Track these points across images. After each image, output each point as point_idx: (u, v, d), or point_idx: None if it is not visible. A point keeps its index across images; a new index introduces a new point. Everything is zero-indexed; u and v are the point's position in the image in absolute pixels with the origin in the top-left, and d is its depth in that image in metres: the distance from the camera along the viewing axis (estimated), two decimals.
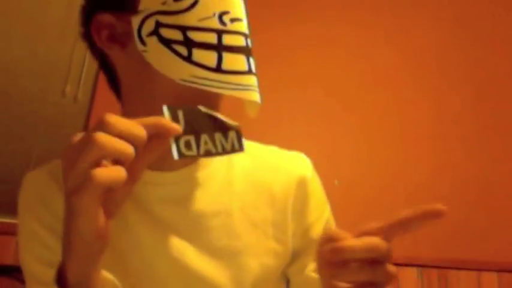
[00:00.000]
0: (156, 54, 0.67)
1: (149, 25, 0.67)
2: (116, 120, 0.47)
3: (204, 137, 0.53)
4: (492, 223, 2.07)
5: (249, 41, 0.69)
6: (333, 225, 0.87)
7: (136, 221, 0.75)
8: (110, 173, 0.46)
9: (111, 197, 0.49)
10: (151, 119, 0.49)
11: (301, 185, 0.84)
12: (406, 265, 1.94)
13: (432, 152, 2.17)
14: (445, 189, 2.11)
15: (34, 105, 2.09)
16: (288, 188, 0.83)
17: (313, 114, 2.16)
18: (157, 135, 0.49)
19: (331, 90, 2.21)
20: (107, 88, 2.16)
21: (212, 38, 0.66)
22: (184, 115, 0.52)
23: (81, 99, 2.13)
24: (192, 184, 0.77)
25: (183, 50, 0.65)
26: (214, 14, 0.67)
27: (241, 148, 0.56)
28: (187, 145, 0.52)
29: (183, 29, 0.66)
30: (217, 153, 0.54)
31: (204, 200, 0.77)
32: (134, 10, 0.68)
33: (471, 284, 1.96)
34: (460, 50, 2.33)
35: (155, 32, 0.66)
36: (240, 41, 0.68)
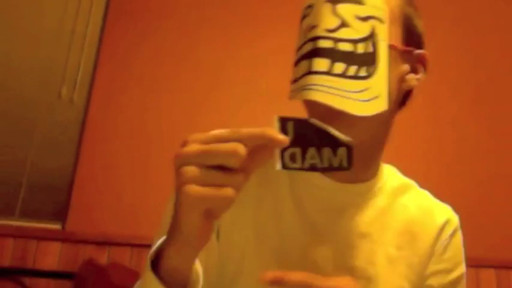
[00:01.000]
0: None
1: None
2: (200, 145, 0.48)
3: (312, 151, 0.52)
4: (490, 220, 2.08)
5: (323, 41, 0.67)
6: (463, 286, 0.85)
7: (291, 220, 0.77)
8: (213, 194, 0.46)
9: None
10: (258, 130, 0.48)
11: (446, 229, 0.84)
12: None
13: (429, 151, 2.17)
14: (442, 187, 2.11)
15: (30, 107, 2.09)
16: (431, 228, 0.83)
17: None
18: (263, 146, 0.49)
19: None
20: (102, 90, 2.17)
21: (297, 54, 0.70)
22: (294, 127, 0.51)
23: (77, 101, 2.13)
24: (349, 201, 0.79)
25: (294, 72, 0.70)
26: (303, 32, 0.71)
27: (349, 165, 0.53)
28: (292, 157, 0.51)
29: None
30: (323, 168, 0.53)
31: (359, 219, 0.78)
32: None
33: (469, 280, 1.96)
34: (457, 53, 2.34)
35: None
36: (308, 47, 0.67)
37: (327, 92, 0.64)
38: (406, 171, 2.16)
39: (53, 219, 1.95)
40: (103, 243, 1.84)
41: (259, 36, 2.27)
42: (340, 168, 0.53)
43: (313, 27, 0.68)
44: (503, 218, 2.09)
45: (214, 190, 0.46)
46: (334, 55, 0.66)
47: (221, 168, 0.47)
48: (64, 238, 1.84)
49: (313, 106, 0.70)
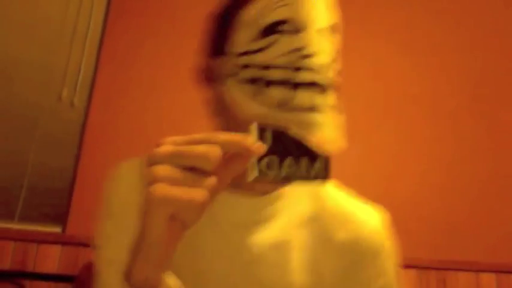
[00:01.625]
0: (231, 95, 0.70)
1: (233, 65, 0.70)
2: (174, 146, 0.46)
3: (289, 160, 0.51)
4: (490, 225, 2.08)
5: (321, 77, 0.67)
6: None
7: (205, 236, 0.74)
8: (181, 195, 0.45)
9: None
10: (235, 137, 0.47)
11: (372, 238, 0.79)
12: (405, 267, 1.94)
13: (429, 153, 2.17)
14: (442, 191, 2.11)
15: (30, 110, 2.09)
16: (349, 238, 0.78)
17: None
18: (240, 154, 0.48)
19: None
20: (103, 93, 2.17)
21: (280, 76, 0.66)
22: (273, 136, 0.51)
23: (78, 104, 2.12)
24: (260, 214, 0.76)
25: (252, 89, 0.67)
26: (286, 52, 0.67)
27: (326, 177, 0.53)
28: (269, 165, 0.50)
29: (256, 67, 0.68)
30: (301, 178, 0.52)
31: (272, 230, 0.75)
32: (222, 53, 0.73)
33: (470, 285, 1.96)
34: (456, 51, 2.34)
35: (237, 73, 0.69)
36: (307, 77, 0.66)
37: (329, 131, 0.66)
38: (404, 171, 2.17)
39: (53, 222, 1.95)
40: None
41: None
42: (317, 177, 0.53)
43: (310, 55, 0.67)
44: (504, 221, 2.09)
45: (183, 191, 0.45)
46: (330, 91, 0.68)
47: (194, 170, 0.45)
48: (64, 241, 1.84)
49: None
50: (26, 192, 1.98)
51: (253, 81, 0.67)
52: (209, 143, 0.46)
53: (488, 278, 1.99)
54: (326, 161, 0.53)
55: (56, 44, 2.19)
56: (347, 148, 2.14)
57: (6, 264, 1.77)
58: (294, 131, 0.63)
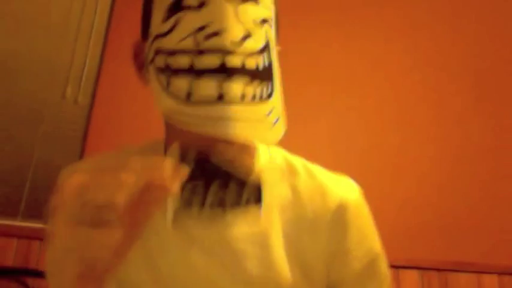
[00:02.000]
0: (152, 84, 0.63)
1: (151, 51, 0.62)
2: (71, 202, 0.39)
3: (216, 185, 0.45)
4: (492, 225, 2.07)
5: (234, 57, 0.55)
6: (382, 267, 0.74)
7: (169, 235, 0.65)
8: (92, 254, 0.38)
9: None
10: (152, 166, 0.41)
11: (341, 210, 0.72)
12: (407, 268, 1.94)
13: (432, 153, 2.17)
14: (445, 191, 2.11)
15: (35, 107, 2.09)
16: (324, 212, 0.71)
17: (314, 114, 2.16)
18: (155, 185, 0.41)
19: (330, 89, 2.21)
20: (107, 90, 2.17)
21: (184, 63, 0.57)
22: (196, 156, 0.44)
23: (82, 101, 2.13)
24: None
25: (163, 79, 0.59)
26: (190, 33, 0.57)
27: (258, 200, 0.47)
28: (194, 191, 0.44)
29: (165, 54, 0.59)
30: (230, 204, 0.46)
31: (245, 223, 0.64)
32: (147, 36, 0.65)
33: (472, 286, 1.96)
34: (461, 51, 2.33)
35: (152, 59, 0.62)
36: (213, 61, 0.55)
37: (246, 127, 0.55)
38: (406, 171, 2.16)
39: None
40: None
41: None
42: (248, 203, 0.46)
43: (214, 33, 0.55)
44: (506, 222, 2.09)
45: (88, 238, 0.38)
46: (244, 76, 0.56)
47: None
48: None
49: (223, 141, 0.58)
50: (30, 189, 1.99)
51: (163, 69, 0.59)
52: (118, 181, 0.39)
53: (490, 280, 1.98)
54: (257, 184, 0.47)
55: (60, 41, 2.19)
56: (349, 149, 2.13)
57: (10, 261, 1.78)
58: (199, 128, 0.55)
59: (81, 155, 2.03)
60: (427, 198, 2.09)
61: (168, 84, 0.58)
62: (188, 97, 0.56)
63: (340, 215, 0.72)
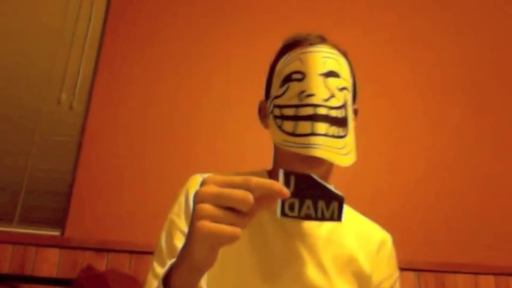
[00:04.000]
0: (270, 126, 0.97)
1: (271, 105, 0.97)
2: (217, 187, 0.56)
3: (308, 202, 0.59)
4: (489, 227, 2.08)
5: (321, 109, 0.90)
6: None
7: (277, 242, 0.95)
8: (222, 232, 0.54)
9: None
10: (267, 182, 0.55)
11: (382, 247, 1.04)
12: (403, 269, 1.94)
13: (430, 157, 2.17)
14: (442, 194, 2.12)
15: (30, 113, 2.09)
16: (373, 237, 1.04)
17: None
18: (268, 194, 0.56)
19: None
20: (102, 96, 2.18)
21: (292, 112, 0.91)
22: (296, 180, 0.58)
23: (77, 107, 2.13)
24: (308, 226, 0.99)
25: (278, 122, 0.94)
26: (296, 94, 0.92)
27: (339, 218, 0.60)
28: (291, 207, 0.58)
29: (279, 107, 0.94)
30: (316, 219, 0.60)
31: (322, 230, 0.99)
32: (268, 96, 1.03)
33: (468, 287, 1.96)
34: (460, 61, 2.35)
35: (272, 111, 0.96)
36: (308, 111, 0.90)
37: (326, 150, 0.88)
38: (406, 174, 2.17)
39: (51, 225, 1.95)
40: (102, 250, 1.84)
41: (260, 40, 2.28)
42: (332, 219, 0.61)
43: (310, 95, 0.90)
44: (503, 223, 2.09)
45: (224, 228, 0.54)
46: (328, 120, 0.89)
47: (232, 209, 0.55)
48: (63, 245, 1.84)
49: (313, 159, 0.91)
50: (25, 196, 1.98)
51: (278, 117, 0.94)
52: (245, 187, 0.55)
53: (486, 281, 1.99)
54: (340, 203, 0.61)
55: (55, 48, 2.20)
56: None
57: (5, 268, 1.77)
58: (299, 150, 0.88)
59: (77, 161, 2.03)
60: (423, 201, 2.09)
61: (281, 125, 0.92)
62: (293, 133, 0.90)
63: (382, 246, 1.05)
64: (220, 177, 0.57)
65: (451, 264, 1.98)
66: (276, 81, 0.98)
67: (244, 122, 2.12)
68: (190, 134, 2.09)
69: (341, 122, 0.92)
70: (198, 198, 0.56)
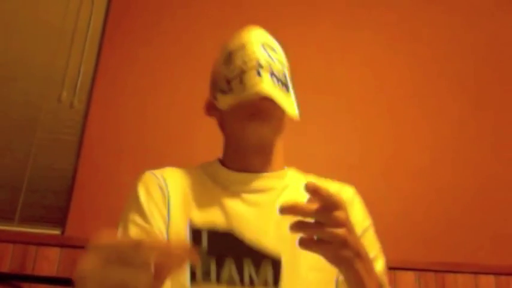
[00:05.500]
0: (220, 102, 0.98)
1: (215, 88, 1.05)
2: (101, 263, 0.47)
3: (229, 263, 0.45)
4: (489, 226, 2.08)
5: (266, 66, 0.94)
6: (372, 242, 1.01)
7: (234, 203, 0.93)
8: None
9: None
10: (163, 246, 0.48)
11: (349, 200, 1.04)
12: (403, 269, 1.94)
13: (429, 156, 2.17)
14: (441, 193, 2.11)
15: (30, 111, 2.09)
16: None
17: (310, 120, 2.16)
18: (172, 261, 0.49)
19: (327, 96, 2.21)
20: (102, 94, 2.17)
21: (238, 73, 0.95)
22: (209, 236, 0.46)
23: (77, 105, 2.13)
24: (268, 186, 0.98)
25: (226, 89, 0.97)
26: (240, 63, 0.96)
27: (275, 284, 0.45)
28: (206, 272, 0.45)
29: (228, 80, 0.97)
30: (245, 283, 0.45)
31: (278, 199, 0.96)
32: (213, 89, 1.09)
33: (469, 287, 1.96)
34: (459, 59, 2.34)
35: (220, 89, 1.00)
36: (254, 67, 0.93)
37: (276, 93, 0.91)
38: (405, 173, 2.17)
39: (52, 224, 1.95)
40: None
41: None
42: (265, 285, 0.44)
43: (253, 58, 0.95)
44: (503, 223, 2.09)
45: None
46: (274, 76, 0.93)
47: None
48: (63, 244, 1.84)
49: (262, 111, 0.93)
50: (26, 194, 1.99)
51: (224, 89, 0.98)
52: (137, 258, 0.45)
53: (487, 280, 1.99)
54: (275, 263, 0.46)
55: (55, 45, 2.19)
56: (346, 153, 2.14)
57: (5, 267, 1.78)
58: (248, 97, 0.89)
59: (77, 160, 2.03)
60: (423, 200, 2.09)
61: (230, 89, 0.96)
62: (242, 86, 0.92)
63: (351, 204, 1.04)
64: (106, 244, 0.48)
65: (451, 264, 1.98)
66: (220, 65, 1.03)
67: None
68: (191, 132, 2.09)
69: (285, 86, 0.96)
70: (80, 277, 0.47)
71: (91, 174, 1.99)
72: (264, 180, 0.98)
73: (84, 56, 2.20)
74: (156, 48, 2.22)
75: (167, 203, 0.93)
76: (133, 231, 0.89)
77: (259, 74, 0.90)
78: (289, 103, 0.94)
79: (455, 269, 1.98)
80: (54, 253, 1.83)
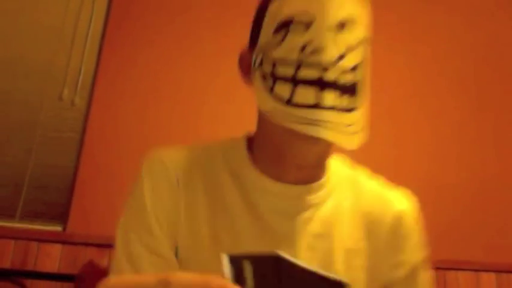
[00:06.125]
0: (256, 86, 0.73)
1: (259, 56, 0.72)
2: None
3: None
4: (490, 224, 2.08)
5: (331, 72, 0.67)
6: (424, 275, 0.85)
7: (246, 225, 0.75)
8: None
9: None
10: (200, 282, 0.47)
11: (399, 220, 0.84)
12: None
13: (431, 155, 2.17)
14: (443, 191, 2.12)
15: (31, 109, 2.09)
16: (383, 219, 0.82)
17: None
18: None
19: None
20: (104, 92, 2.17)
21: (290, 71, 0.67)
22: (253, 266, 0.38)
23: (79, 103, 2.13)
24: (304, 203, 0.78)
25: (269, 83, 0.69)
26: (297, 47, 0.67)
27: None
28: None
29: (271, 61, 0.69)
30: None
31: (315, 219, 0.77)
32: (254, 44, 0.75)
33: (470, 284, 1.96)
34: (460, 59, 2.34)
35: (261, 64, 0.71)
36: (313, 74, 0.66)
37: (332, 129, 0.67)
38: (407, 171, 2.17)
39: (54, 221, 1.95)
40: (104, 245, 1.84)
41: None
42: None
43: (317, 51, 0.66)
44: (504, 220, 2.09)
45: None
46: (338, 88, 0.67)
47: None
48: (65, 240, 1.84)
49: (313, 137, 0.68)
50: (27, 191, 1.98)
51: (267, 75, 0.70)
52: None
53: (488, 278, 1.99)
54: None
55: (56, 43, 2.19)
56: (347, 150, 2.14)
57: (7, 263, 1.77)
58: (297, 126, 0.65)
59: (78, 157, 2.03)
60: (424, 198, 2.09)
61: (273, 88, 0.68)
62: (289, 101, 0.67)
63: (397, 226, 0.83)
64: None
65: (452, 262, 1.98)
66: (269, 24, 0.72)
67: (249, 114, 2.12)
68: (193, 128, 2.09)
69: (353, 90, 0.70)
70: None
71: (92, 171, 1.99)
72: (303, 195, 0.77)
73: (86, 53, 2.20)
74: (157, 46, 2.22)
75: (181, 213, 0.76)
76: (145, 261, 0.73)
77: (321, 85, 0.65)
78: (350, 129, 0.69)
79: (456, 267, 1.98)
80: (55, 249, 1.83)
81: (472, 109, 2.26)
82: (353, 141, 0.70)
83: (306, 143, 0.70)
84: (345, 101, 0.68)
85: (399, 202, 0.88)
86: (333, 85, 0.66)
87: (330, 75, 0.66)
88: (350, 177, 0.86)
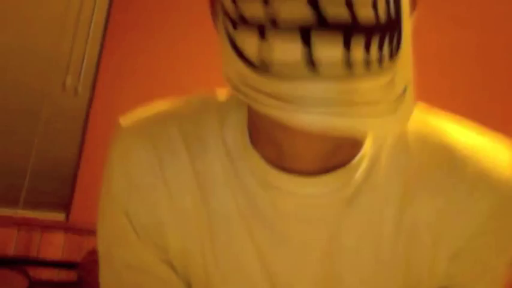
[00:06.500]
0: (220, 37, 0.42)
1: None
2: None
3: None
4: None
5: (319, 11, 0.32)
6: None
7: (259, 235, 0.51)
8: None
9: None
10: None
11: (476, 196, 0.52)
12: None
13: None
14: None
15: (34, 98, 2.09)
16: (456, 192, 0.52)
17: None
18: None
19: None
20: (107, 81, 2.17)
21: (258, 7, 0.33)
22: None
23: (82, 92, 2.13)
24: (336, 201, 0.49)
25: (231, 30, 0.37)
26: None
27: None
28: None
29: None
30: None
31: (347, 230, 0.50)
32: None
33: None
34: (459, 59, 2.33)
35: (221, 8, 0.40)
36: (294, 12, 0.32)
37: (358, 113, 0.34)
38: None
39: (56, 209, 1.96)
40: None
41: None
42: None
43: None
44: None
45: None
46: (359, 34, 0.33)
47: None
48: (68, 228, 1.86)
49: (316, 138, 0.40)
50: (30, 179, 1.99)
51: (226, 21, 0.38)
52: None
53: None
54: None
55: (59, 32, 2.19)
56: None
57: (10, 251, 1.79)
58: (280, 116, 0.35)
59: (81, 146, 2.03)
60: None
61: (234, 39, 0.37)
62: (261, 61, 0.34)
63: (475, 201, 0.50)
64: None
65: None
66: None
67: None
68: None
69: (385, 31, 0.34)
70: None
71: (95, 160, 2.00)
72: (323, 187, 0.47)
73: (89, 42, 2.19)
74: (161, 33, 2.21)
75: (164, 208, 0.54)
76: (134, 284, 0.54)
77: (320, 26, 0.32)
78: (390, 97, 0.36)
79: None
80: (58, 238, 1.84)
81: (472, 109, 2.25)
82: (396, 120, 0.37)
83: (305, 141, 0.41)
84: (377, 55, 0.34)
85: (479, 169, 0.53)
86: (349, 31, 0.32)
87: (364, 13, 0.33)
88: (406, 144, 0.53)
